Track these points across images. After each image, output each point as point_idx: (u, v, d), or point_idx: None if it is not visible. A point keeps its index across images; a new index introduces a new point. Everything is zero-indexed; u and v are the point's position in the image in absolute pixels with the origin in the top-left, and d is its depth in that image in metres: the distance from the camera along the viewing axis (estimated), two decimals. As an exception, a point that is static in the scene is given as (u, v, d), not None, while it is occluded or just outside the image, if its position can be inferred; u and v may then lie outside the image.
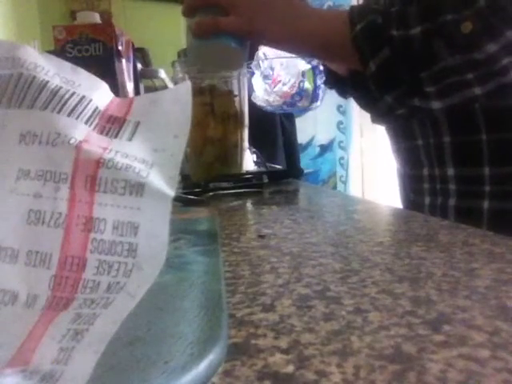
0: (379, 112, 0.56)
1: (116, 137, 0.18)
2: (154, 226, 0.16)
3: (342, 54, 0.54)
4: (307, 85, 1.50)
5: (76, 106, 0.18)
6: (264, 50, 1.28)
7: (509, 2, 0.44)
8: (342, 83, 0.64)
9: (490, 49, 0.44)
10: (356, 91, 0.61)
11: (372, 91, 0.52)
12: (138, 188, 0.17)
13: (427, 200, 0.59)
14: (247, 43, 0.59)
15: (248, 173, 0.73)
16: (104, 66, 0.80)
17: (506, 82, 0.47)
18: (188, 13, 0.58)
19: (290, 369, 0.15)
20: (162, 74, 1.36)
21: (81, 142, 0.17)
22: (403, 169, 0.66)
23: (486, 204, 0.51)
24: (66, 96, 0.18)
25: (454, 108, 0.49)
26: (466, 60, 0.46)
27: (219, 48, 0.56)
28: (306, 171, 1.27)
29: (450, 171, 0.54)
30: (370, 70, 0.50)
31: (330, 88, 0.69)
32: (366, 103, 0.59)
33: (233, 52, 0.58)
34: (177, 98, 0.19)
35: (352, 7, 0.52)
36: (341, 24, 0.51)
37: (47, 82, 0.18)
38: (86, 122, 0.18)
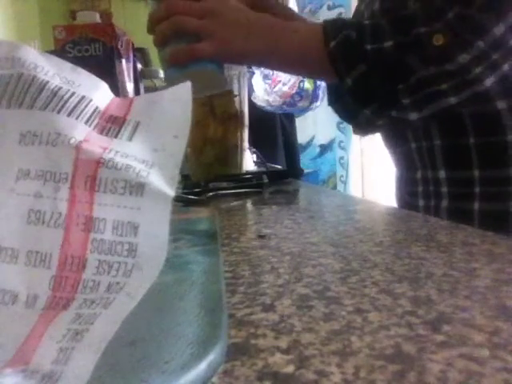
0: (359, 124, 0.56)
1: (116, 137, 0.18)
2: (154, 226, 0.16)
3: (319, 70, 0.55)
4: (307, 85, 1.50)
5: (76, 106, 0.18)
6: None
7: (476, 12, 0.44)
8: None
9: (462, 59, 0.45)
10: (335, 104, 0.62)
11: (350, 105, 0.53)
12: (138, 188, 0.17)
13: (421, 202, 0.60)
14: (224, 64, 0.59)
15: (248, 173, 0.73)
16: (104, 66, 0.80)
17: (480, 90, 0.48)
18: (160, 43, 0.57)
19: (290, 369, 0.15)
20: (162, 74, 1.36)
21: (81, 141, 0.17)
22: (399, 172, 0.67)
23: (476, 205, 0.52)
24: (66, 96, 0.18)
25: (430, 118, 0.50)
26: (440, 71, 0.46)
27: (197, 74, 0.56)
28: (305, 171, 1.27)
29: (442, 174, 0.55)
30: (346, 85, 0.50)
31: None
32: (346, 115, 0.60)
33: (212, 75, 0.58)
34: (177, 97, 0.19)
35: (325, 22, 0.53)
36: (316, 40, 0.52)
37: (47, 82, 0.18)
38: (86, 122, 0.18)
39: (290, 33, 0.55)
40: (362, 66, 0.48)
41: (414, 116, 0.49)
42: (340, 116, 0.62)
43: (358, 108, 0.52)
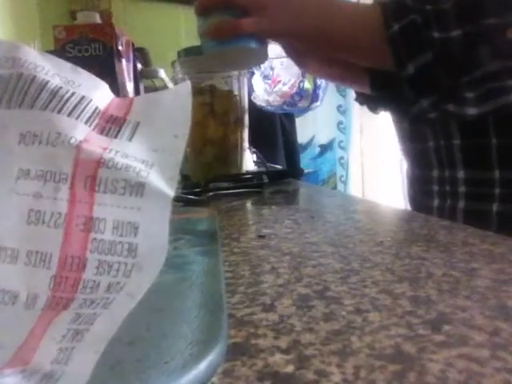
0: (409, 115, 0.54)
1: (116, 137, 0.18)
2: (153, 226, 0.16)
3: (370, 54, 0.52)
4: (307, 85, 1.50)
5: (76, 106, 0.18)
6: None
7: None
8: (372, 99, 0.62)
9: None
10: (377, 92, 0.58)
11: (405, 94, 0.50)
12: (138, 188, 0.17)
13: (436, 202, 0.59)
14: (267, 41, 0.56)
15: (248, 173, 0.73)
16: (104, 66, 0.80)
17: None
18: (202, 12, 0.55)
19: (290, 369, 0.15)
20: (162, 73, 1.36)
21: (81, 141, 0.17)
22: (412, 170, 0.65)
23: (495, 207, 0.50)
24: (66, 96, 0.18)
25: (487, 114, 0.48)
26: (508, 66, 0.45)
27: (240, 50, 0.54)
28: (305, 171, 1.27)
29: (460, 174, 0.54)
30: (407, 73, 0.47)
31: (361, 104, 0.66)
32: (395, 105, 0.57)
33: (254, 52, 0.55)
34: (177, 98, 0.19)
35: (383, 4, 0.49)
36: (372, 22, 0.49)
37: (47, 81, 0.18)
38: (86, 122, 0.18)
39: (345, 13, 0.52)
40: (428, 54, 0.46)
41: (472, 111, 0.47)
42: (382, 105, 0.59)
43: (416, 98, 0.49)
